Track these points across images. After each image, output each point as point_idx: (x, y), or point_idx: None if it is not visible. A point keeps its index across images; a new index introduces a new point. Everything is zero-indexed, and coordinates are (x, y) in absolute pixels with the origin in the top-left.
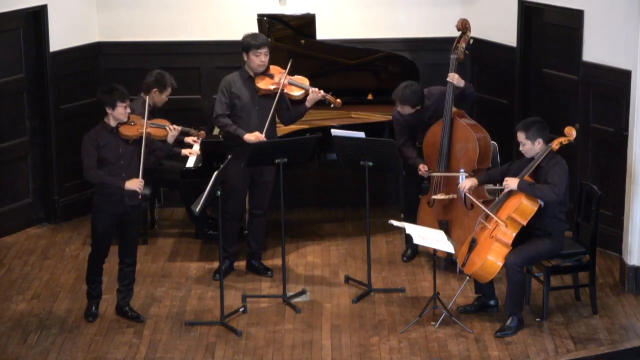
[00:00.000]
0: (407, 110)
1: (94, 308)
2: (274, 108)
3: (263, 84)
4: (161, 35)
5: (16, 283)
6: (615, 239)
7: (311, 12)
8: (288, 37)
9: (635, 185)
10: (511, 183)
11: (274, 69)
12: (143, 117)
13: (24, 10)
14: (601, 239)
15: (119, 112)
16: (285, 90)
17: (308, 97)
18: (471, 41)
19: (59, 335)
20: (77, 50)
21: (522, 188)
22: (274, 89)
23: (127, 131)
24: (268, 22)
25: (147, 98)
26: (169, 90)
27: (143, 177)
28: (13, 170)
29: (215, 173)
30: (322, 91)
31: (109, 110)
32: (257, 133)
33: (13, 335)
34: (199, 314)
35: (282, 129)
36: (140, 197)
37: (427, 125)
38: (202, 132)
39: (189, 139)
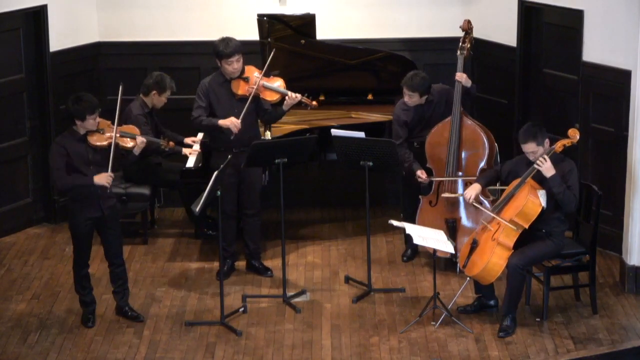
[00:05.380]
0: (415, 99)
1: (90, 315)
2: (246, 109)
3: (238, 89)
4: (161, 35)
5: (16, 283)
6: (615, 239)
7: (311, 12)
8: (288, 37)
9: (635, 185)
10: (548, 168)
11: (249, 70)
12: (113, 124)
13: (24, 10)
14: (601, 239)
15: (89, 124)
16: (260, 95)
17: (285, 102)
18: (473, 41)
19: (59, 335)
20: (77, 50)
21: (554, 179)
22: (249, 93)
23: (96, 140)
24: (268, 22)
25: (146, 100)
26: (168, 92)
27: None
28: (13, 170)
29: (215, 173)
30: (298, 95)
31: (78, 122)
32: (232, 118)
33: (13, 335)
34: (199, 314)
35: (282, 129)
36: (108, 190)
37: (427, 123)
38: (172, 143)
39: (187, 140)
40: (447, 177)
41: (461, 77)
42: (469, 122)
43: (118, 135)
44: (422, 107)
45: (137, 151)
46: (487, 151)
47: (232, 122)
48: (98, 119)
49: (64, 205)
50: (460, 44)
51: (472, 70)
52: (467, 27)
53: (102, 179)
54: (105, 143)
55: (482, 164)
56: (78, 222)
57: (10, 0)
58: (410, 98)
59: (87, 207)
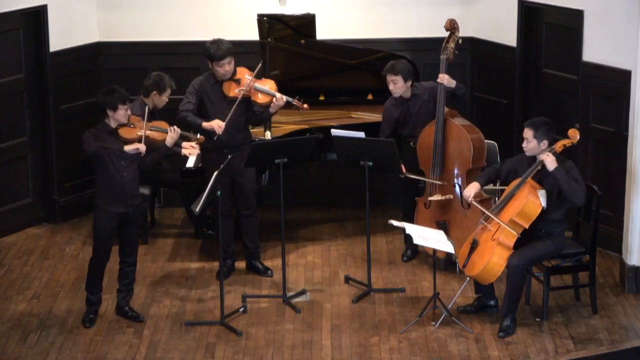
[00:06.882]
0: (399, 84)
1: (92, 315)
2: (234, 111)
3: (229, 90)
4: (161, 35)
5: (16, 283)
6: (615, 239)
7: (311, 12)
8: (288, 37)
9: (635, 185)
10: (552, 161)
11: (240, 72)
12: (143, 119)
13: (24, 10)
14: (601, 239)
15: (120, 115)
16: (251, 97)
17: (272, 104)
18: (460, 41)
19: (59, 335)
20: (77, 50)
21: (559, 171)
22: (240, 95)
23: (127, 134)
24: (268, 22)
25: (146, 101)
26: (168, 91)
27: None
28: (13, 170)
29: (216, 173)
30: (285, 97)
31: (110, 113)
32: (217, 120)
33: (13, 335)
34: (199, 314)
35: (282, 129)
36: (141, 153)
37: (415, 120)
38: (201, 137)
39: (186, 146)
40: (418, 176)
41: (442, 78)
42: (454, 122)
43: (148, 128)
44: (409, 102)
45: (170, 142)
46: (472, 151)
47: (216, 124)
48: (129, 112)
49: (66, 205)
50: (444, 44)
51: (471, 70)
52: (450, 27)
53: (133, 146)
54: (135, 136)
55: (467, 164)
56: (104, 217)
57: (10, 0)
58: (395, 84)
59: (113, 202)
